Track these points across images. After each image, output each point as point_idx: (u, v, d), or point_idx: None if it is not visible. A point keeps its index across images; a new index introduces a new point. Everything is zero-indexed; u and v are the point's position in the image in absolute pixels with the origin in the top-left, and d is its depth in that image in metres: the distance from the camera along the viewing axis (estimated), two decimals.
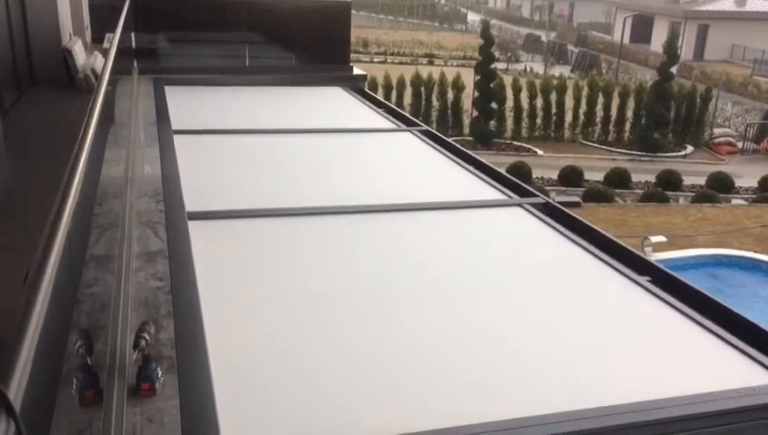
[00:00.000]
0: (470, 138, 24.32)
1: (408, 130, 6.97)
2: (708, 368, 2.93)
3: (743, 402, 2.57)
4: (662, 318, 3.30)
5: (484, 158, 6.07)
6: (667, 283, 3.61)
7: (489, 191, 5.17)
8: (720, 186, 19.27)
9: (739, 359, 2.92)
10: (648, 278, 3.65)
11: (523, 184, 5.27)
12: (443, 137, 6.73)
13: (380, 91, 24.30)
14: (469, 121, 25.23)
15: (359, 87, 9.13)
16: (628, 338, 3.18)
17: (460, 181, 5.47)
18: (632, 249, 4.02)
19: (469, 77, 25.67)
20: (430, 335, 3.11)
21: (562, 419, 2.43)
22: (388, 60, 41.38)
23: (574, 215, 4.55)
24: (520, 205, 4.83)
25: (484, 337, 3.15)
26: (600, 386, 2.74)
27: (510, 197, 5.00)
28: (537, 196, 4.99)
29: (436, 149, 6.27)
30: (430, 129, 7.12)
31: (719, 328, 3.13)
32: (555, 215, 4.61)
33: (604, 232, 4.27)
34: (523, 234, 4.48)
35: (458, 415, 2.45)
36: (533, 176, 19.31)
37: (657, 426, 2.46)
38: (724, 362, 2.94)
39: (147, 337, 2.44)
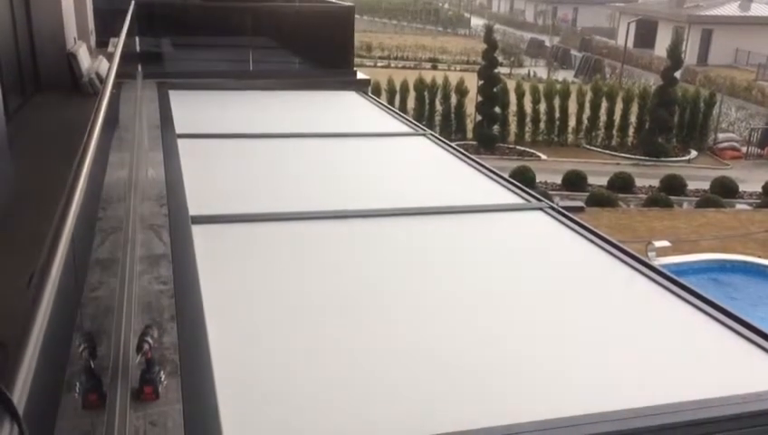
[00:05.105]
0: (473, 142, 24.30)
1: (423, 134, 6.94)
2: (738, 370, 2.95)
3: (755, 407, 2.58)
4: (689, 320, 3.33)
5: (488, 162, 6.06)
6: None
7: (509, 195, 5.17)
8: (724, 191, 19.21)
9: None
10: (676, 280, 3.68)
11: (527, 188, 5.28)
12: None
13: (384, 95, 24.29)
14: (473, 126, 25.21)
15: (362, 91, 9.14)
16: (660, 340, 3.20)
17: (480, 185, 5.46)
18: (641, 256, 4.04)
19: (473, 81, 25.64)
20: (463, 338, 3.10)
21: (594, 420, 2.44)
22: (392, 64, 41.36)
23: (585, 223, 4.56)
24: (541, 209, 4.83)
25: (518, 339, 3.16)
26: (636, 387, 2.75)
27: (529, 201, 5.00)
28: (542, 200, 5.01)
29: (452, 153, 6.26)
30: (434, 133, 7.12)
31: (745, 329, 3.14)
32: (575, 219, 4.62)
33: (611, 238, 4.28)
34: (551, 237, 4.48)
35: (489, 417, 2.46)
36: (537, 180, 19.29)
37: (688, 428, 2.49)
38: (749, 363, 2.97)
39: (150, 341, 2.44)
